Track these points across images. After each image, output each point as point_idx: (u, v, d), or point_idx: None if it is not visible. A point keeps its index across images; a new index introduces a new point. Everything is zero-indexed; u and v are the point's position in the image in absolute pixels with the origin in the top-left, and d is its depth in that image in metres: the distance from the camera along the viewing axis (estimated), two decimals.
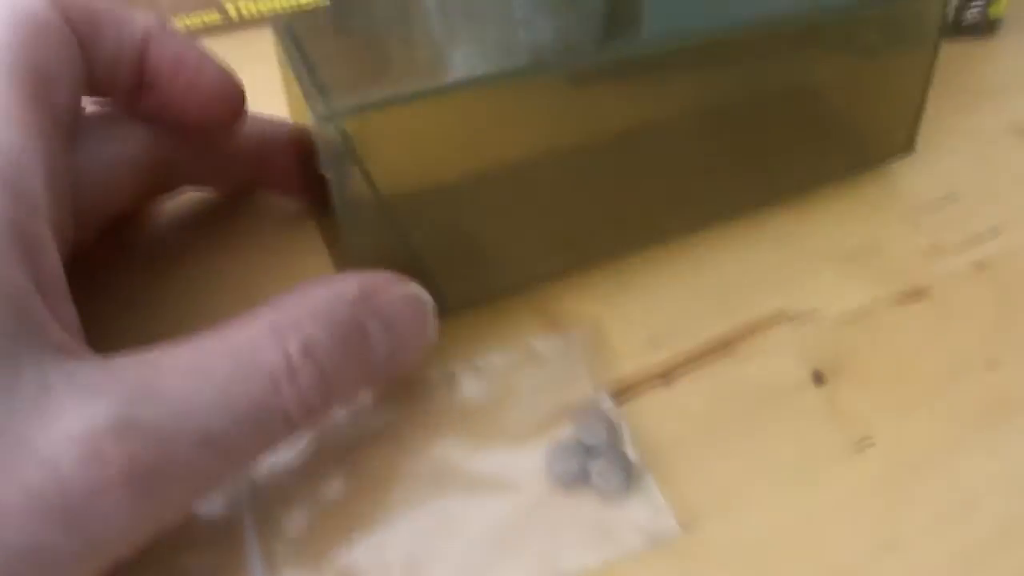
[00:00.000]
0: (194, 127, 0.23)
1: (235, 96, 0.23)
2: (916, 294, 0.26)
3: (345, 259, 0.22)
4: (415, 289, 0.20)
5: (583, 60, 0.22)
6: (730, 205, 0.27)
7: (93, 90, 0.21)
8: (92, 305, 0.20)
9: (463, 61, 0.22)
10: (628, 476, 0.21)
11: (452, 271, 0.22)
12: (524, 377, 0.23)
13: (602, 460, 0.21)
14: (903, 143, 0.29)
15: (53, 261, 0.17)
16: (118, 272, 0.26)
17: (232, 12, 0.36)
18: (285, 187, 0.27)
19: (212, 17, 0.36)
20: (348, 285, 0.19)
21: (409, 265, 0.21)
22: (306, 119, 0.20)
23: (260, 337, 0.18)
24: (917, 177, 0.30)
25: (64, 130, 0.19)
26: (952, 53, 0.35)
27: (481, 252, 0.23)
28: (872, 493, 0.21)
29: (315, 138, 0.19)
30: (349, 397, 0.20)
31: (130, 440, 0.15)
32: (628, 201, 0.25)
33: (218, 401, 0.17)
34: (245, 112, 0.24)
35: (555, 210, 0.24)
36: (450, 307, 0.22)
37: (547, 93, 0.22)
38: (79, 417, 0.15)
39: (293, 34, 0.22)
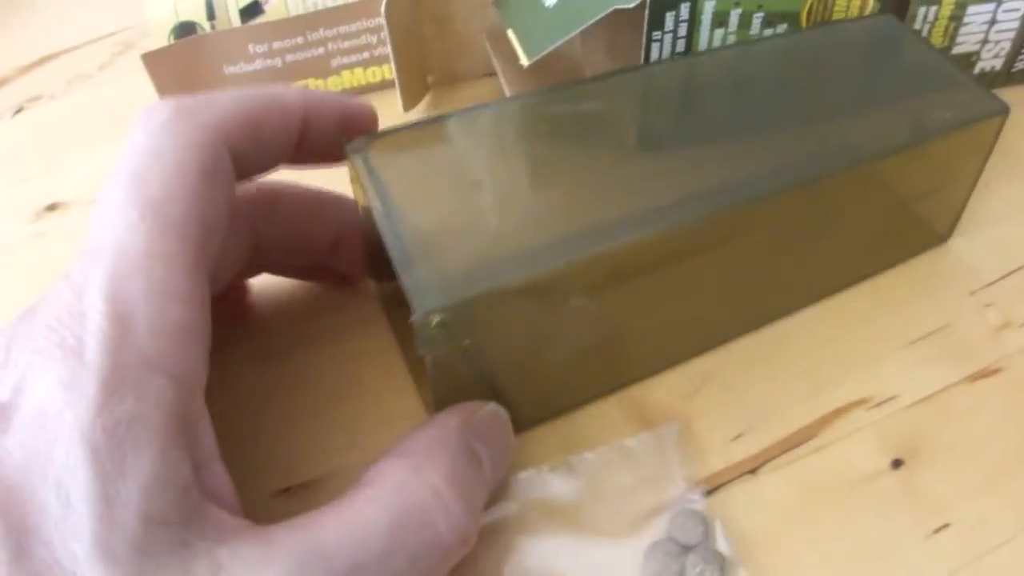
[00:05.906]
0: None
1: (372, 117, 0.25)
2: (990, 373, 0.27)
3: (424, 381, 0.24)
4: (493, 406, 0.23)
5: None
6: (795, 297, 0.28)
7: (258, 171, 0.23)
8: None
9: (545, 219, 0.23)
10: (723, 573, 0.22)
11: (529, 401, 0.25)
12: (617, 475, 0.24)
13: (697, 558, 0.22)
14: (942, 235, 0.30)
15: (209, 433, 0.18)
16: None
17: None
18: (352, 272, 0.28)
19: None
20: (451, 418, 0.22)
21: (489, 397, 0.24)
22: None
23: (406, 481, 0.19)
24: (981, 251, 0.30)
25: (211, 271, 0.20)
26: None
27: (555, 383, 0.25)
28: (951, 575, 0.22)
29: (412, 322, 0.20)
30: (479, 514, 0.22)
31: None
32: (683, 324, 0.26)
33: (385, 550, 0.18)
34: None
35: (622, 349, 0.26)
36: (524, 426, 0.25)
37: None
38: None
39: (377, 173, 0.23)
